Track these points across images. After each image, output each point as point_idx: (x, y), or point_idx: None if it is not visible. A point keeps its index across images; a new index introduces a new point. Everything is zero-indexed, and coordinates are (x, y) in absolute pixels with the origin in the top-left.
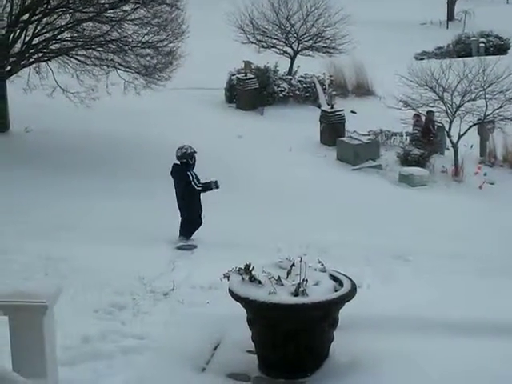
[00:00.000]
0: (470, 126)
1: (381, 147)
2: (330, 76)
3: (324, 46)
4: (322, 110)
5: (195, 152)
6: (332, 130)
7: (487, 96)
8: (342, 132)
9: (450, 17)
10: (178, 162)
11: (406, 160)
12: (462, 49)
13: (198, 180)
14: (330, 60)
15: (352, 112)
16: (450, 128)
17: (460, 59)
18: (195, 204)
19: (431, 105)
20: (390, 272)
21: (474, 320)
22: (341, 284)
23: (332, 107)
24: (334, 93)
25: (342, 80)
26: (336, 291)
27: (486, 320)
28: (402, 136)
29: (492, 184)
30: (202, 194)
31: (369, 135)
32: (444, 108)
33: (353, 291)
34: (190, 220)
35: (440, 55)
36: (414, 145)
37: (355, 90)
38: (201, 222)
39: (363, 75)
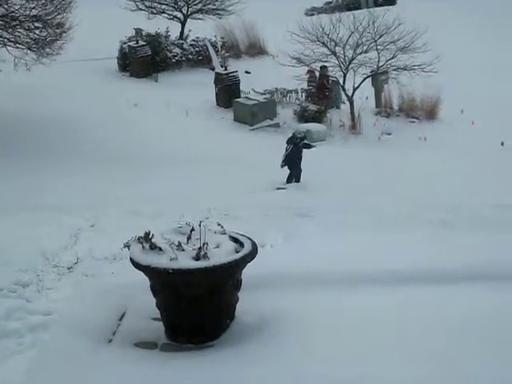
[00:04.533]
0: (364, 79)
1: (277, 105)
2: (222, 38)
3: (214, 9)
4: (216, 73)
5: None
6: (227, 91)
7: (379, 47)
8: (238, 93)
9: None
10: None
11: (303, 116)
12: (351, 2)
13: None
14: (221, 22)
15: (246, 72)
16: (344, 82)
17: (350, 12)
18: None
19: (324, 60)
20: (293, 229)
21: (373, 272)
22: (242, 245)
23: (226, 69)
24: (227, 54)
25: (234, 41)
26: (237, 252)
27: (385, 270)
28: (297, 93)
29: (389, 134)
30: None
31: (264, 94)
32: (337, 62)
33: (254, 251)
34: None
35: (330, 10)
36: (309, 101)
37: (248, 51)
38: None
39: (255, 35)
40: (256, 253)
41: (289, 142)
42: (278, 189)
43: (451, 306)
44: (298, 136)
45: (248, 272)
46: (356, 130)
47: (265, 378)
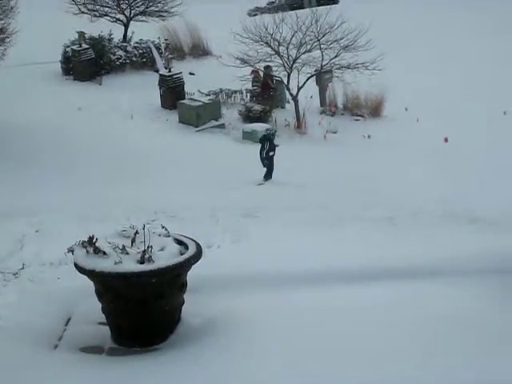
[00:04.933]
0: (308, 78)
1: (222, 106)
2: (165, 40)
3: (156, 11)
4: (160, 75)
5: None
6: (172, 93)
7: (322, 46)
8: (182, 94)
9: None
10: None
11: (248, 117)
12: (294, 1)
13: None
14: (164, 24)
15: (190, 74)
16: (288, 81)
17: (293, 12)
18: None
19: (268, 60)
20: (240, 230)
21: (319, 271)
22: (186, 247)
23: (170, 71)
24: (171, 56)
25: (178, 43)
26: (182, 255)
27: (332, 268)
28: (242, 93)
29: (335, 133)
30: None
31: (209, 95)
32: (281, 62)
33: (198, 253)
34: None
35: (273, 9)
36: (254, 101)
37: (192, 52)
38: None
39: (198, 36)
40: (201, 255)
41: (262, 140)
42: (260, 184)
43: (399, 303)
44: (271, 132)
45: (194, 274)
46: (301, 130)
47: (213, 380)
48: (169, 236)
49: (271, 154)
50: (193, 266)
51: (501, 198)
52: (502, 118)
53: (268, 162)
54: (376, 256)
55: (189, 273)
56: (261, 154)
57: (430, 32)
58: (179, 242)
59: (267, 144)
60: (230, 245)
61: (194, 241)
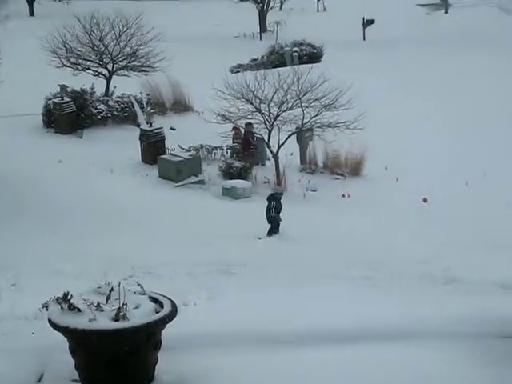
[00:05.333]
0: (289, 136)
1: (203, 162)
2: (147, 94)
3: (139, 65)
4: (142, 129)
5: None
6: (152, 148)
7: (303, 104)
8: (163, 149)
9: (263, 28)
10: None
11: (228, 173)
12: (277, 59)
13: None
14: (146, 78)
15: (171, 129)
16: (269, 138)
17: (275, 70)
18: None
19: (249, 117)
20: (216, 287)
21: (292, 331)
22: (161, 305)
23: (151, 125)
24: (152, 111)
25: (160, 98)
26: (157, 313)
27: (305, 330)
28: (222, 150)
29: (314, 191)
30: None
31: (190, 151)
32: (262, 119)
33: (173, 312)
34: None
35: (255, 67)
36: (235, 158)
37: (173, 107)
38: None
39: (180, 91)
40: (175, 313)
41: (270, 199)
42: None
43: (372, 365)
44: (279, 192)
45: (169, 332)
46: (281, 187)
47: None
48: (144, 294)
49: (273, 214)
50: (168, 324)
51: (478, 260)
52: (481, 180)
53: (273, 219)
54: (352, 317)
55: (164, 331)
56: (267, 211)
57: (412, 91)
58: (154, 300)
59: (273, 203)
60: (206, 302)
61: (170, 299)
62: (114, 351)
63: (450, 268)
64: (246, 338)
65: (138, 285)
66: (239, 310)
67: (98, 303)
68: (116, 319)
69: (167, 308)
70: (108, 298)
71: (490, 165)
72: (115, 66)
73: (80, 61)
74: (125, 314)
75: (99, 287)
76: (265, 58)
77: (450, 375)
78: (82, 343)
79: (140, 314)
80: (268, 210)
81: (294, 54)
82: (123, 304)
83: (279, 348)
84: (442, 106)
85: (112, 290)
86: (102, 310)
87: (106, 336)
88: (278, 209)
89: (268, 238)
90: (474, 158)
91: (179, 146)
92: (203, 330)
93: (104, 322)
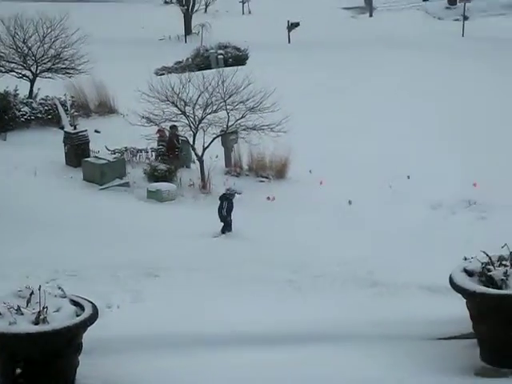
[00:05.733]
0: (214, 138)
1: (127, 165)
2: (72, 97)
3: (63, 67)
4: (66, 132)
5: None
6: (76, 150)
7: (228, 107)
8: (87, 152)
9: (188, 31)
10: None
11: (153, 176)
12: (202, 62)
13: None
14: (71, 81)
15: (96, 131)
16: (194, 141)
17: (200, 72)
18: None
19: (174, 119)
20: (141, 290)
21: (216, 333)
22: (82, 308)
23: (75, 128)
24: (77, 113)
25: (84, 100)
26: (78, 316)
27: (230, 332)
28: (147, 152)
29: (240, 193)
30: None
31: (114, 153)
32: (187, 122)
33: (95, 315)
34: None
35: (180, 69)
36: (160, 160)
37: (98, 109)
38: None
39: (105, 94)
40: (97, 316)
41: (222, 198)
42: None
43: (288, 368)
44: (231, 193)
45: (90, 335)
46: (206, 190)
47: None
48: (65, 297)
49: (224, 214)
50: (89, 327)
51: (402, 263)
52: (405, 182)
53: (225, 218)
54: (277, 319)
55: (85, 334)
56: (219, 211)
57: (338, 95)
58: (75, 303)
59: (225, 203)
60: (130, 305)
61: (91, 302)
62: (35, 355)
63: (374, 271)
64: (169, 340)
65: (59, 288)
66: (163, 313)
67: (19, 307)
68: (36, 323)
69: (88, 311)
70: (28, 301)
71: (413, 167)
72: (39, 68)
73: (3, 62)
74: (45, 317)
75: (20, 291)
76: (190, 60)
77: (371, 377)
78: (2, 346)
79: (60, 318)
80: (220, 209)
81: (219, 56)
82: (43, 307)
83: (202, 350)
84: (366, 108)
85: (32, 293)
86: (22, 314)
87: (25, 339)
88: (230, 209)
89: (222, 236)
90: (398, 160)
91: (106, 147)
92: (127, 332)
93: (24, 326)
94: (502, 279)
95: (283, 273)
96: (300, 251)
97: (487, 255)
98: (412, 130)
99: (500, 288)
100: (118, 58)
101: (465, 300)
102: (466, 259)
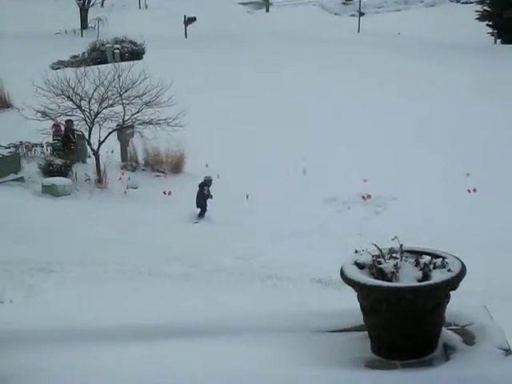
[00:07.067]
0: (110, 133)
1: (22, 159)
2: None
3: None
4: None
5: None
6: None
7: (124, 101)
8: None
9: (84, 25)
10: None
11: (48, 171)
12: (98, 56)
13: None
14: None
15: None
16: (89, 135)
17: (95, 67)
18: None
19: (69, 114)
20: (34, 285)
21: (111, 327)
22: None
23: None
24: None
25: None
26: None
27: (125, 326)
28: (42, 147)
29: (135, 188)
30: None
31: (9, 148)
32: (83, 116)
33: None
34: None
35: (76, 63)
36: (55, 155)
37: None
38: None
39: None
40: None
41: (201, 185)
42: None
43: (177, 361)
44: (209, 180)
45: None
46: (102, 185)
47: None
48: None
49: (210, 195)
50: None
51: (296, 256)
52: (301, 176)
53: (203, 203)
54: (170, 313)
55: None
56: (197, 196)
57: (235, 90)
58: None
59: (206, 188)
60: (24, 299)
61: None
62: None
63: (269, 264)
64: (66, 334)
65: None
66: (59, 307)
67: None
68: None
69: None
70: None
71: (309, 162)
72: None
73: None
74: None
75: None
76: (86, 54)
77: (259, 371)
78: None
79: None
80: (200, 195)
81: (116, 51)
82: None
83: (99, 344)
84: (262, 103)
85: None
86: None
87: None
88: (208, 192)
89: (200, 219)
90: (294, 154)
91: None
92: (20, 327)
93: None
94: (392, 272)
95: (178, 267)
96: (196, 245)
97: (378, 248)
98: (311, 124)
99: (390, 280)
100: (13, 52)
101: (356, 293)
102: (357, 252)
